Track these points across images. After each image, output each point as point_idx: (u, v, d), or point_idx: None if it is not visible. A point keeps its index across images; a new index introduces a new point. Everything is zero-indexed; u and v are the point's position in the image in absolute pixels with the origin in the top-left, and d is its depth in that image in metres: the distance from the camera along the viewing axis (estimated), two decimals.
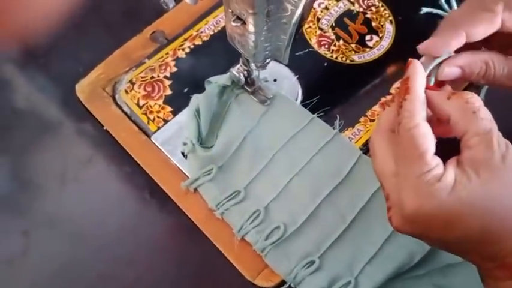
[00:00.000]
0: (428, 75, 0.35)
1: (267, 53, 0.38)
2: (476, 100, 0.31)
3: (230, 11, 0.35)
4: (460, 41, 0.35)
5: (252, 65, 0.44)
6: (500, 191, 0.29)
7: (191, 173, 0.44)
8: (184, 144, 0.44)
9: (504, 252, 0.30)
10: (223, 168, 0.44)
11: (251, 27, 0.34)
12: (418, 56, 0.50)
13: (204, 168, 0.43)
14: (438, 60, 0.36)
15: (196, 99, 0.45)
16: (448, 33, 0.36)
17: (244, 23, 0.34)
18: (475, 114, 0.30)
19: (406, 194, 0.30)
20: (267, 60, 0.41)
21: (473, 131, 0.30)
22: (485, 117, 0.30)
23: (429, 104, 0.32)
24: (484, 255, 0.31)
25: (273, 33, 0.35)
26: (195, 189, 0.44)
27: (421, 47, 0.37)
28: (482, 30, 0.35)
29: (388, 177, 0.32)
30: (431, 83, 0.35)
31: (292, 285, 0.41)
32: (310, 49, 0.50)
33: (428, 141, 0.30)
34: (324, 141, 0.45)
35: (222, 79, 0.46)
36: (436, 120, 0.33)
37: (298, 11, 0.33)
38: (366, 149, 0.45)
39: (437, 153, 0.30)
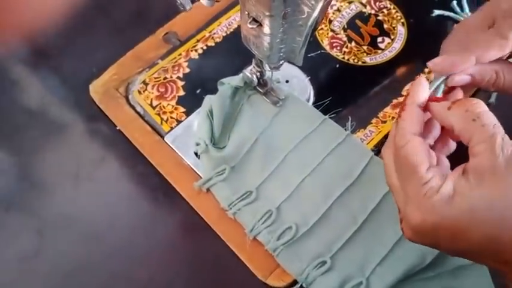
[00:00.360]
0: (437, 88, 0.36)
1: (281, 54, 0.38)
2: (476, 107, 0.31)
3: (246, 12, 0.35)
4: (469, 65, 0.36)
5: (265, 66, 0.44)
6: (506, 197, 0.28)
7: (204, 173, 0.44)
8: (197, 144, 0.45)
9: None
10: (236, 168, 0.44)
11: (267, 29, 0.35)
12: (429, 58, 0.51)
13: (216, 169, 0.44)
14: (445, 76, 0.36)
15: (209, 100, 0.45)
16: (458, 55, 0.36)
17: (260, 25, 0.35)
18: (475, 121, 0.30)
19: (409, 208, 0.31)
20: (281, 62, 0.41)
21: (476, 138, 0.30)
22: (487, 123, 0.30)
23: (434, 116, 0.33)
24: (498, 260, 0.31)
25: (288, 35, 0.36)
26: (208, 189, 0.44)
27: (431, 65, 0.37)
28: (492, 56, 0.36)
29: (396, 191, 0.33)
30: (439, 94, 0.36)
31: (304, 285, 0.41)
32: (322, 51, 0.51)
33: (420, 155, 0.31)
34: (336, 143, 0.45)
35: (234, 80, 0.46)
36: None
37: (315, 14, 0.33)
38: (377, 150, 0.46)
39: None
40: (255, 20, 0.35)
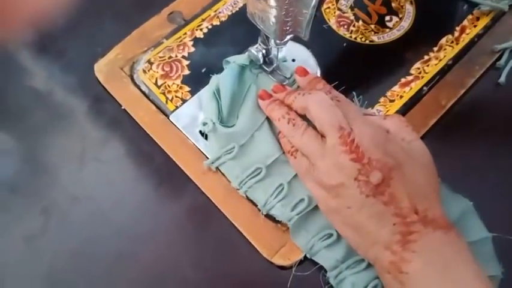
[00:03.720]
0: None
1: (287, 28, 0.38)
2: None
3: None
4: None
5: (271, 43, 0.43)
6: None
7: (212, 152, 0.44)
8: (204, 124, 0.44)
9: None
10: (245, 146, 0.44)
11: (272, 2, 0.34)
12: (437, 37, 0.50)
13: (225, 147, 0.43)
14: None
15: (215, 80, 0.45)
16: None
17: None
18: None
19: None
20: (287, 37, 0.40)
21: None
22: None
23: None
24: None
25: (294, 7, 0.35)
26: (217, 168, 0.44)
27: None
28: None
29: None
30: None
31: (308, 255, 0.41)
32: (325, 25, 0.50)
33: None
34: None
35: (240, 58, 0.45)
36: None
37: None
38: None
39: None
40: None
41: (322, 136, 0.38)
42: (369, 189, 0.35)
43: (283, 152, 0.43)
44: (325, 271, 0.40)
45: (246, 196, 0.43)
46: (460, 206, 0.41)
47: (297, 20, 0.37)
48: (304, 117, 0.41)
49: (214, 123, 0.43)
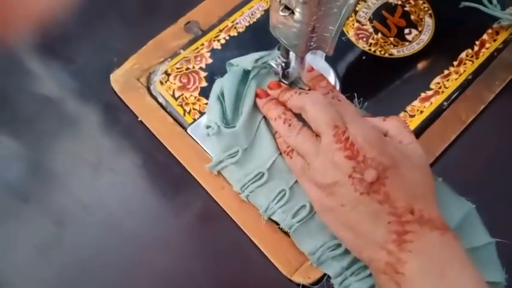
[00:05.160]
0: None
1: (311, 43, 0.37)
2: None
3: (278, 0, 0.34)
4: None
5: (291, 57, 0.43)
6: None
7: (215, 155, 0.43)
8: (208, 127, 0.44)
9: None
10: (248, 150, 0.43)
11: (299, 17, 0.34)
12: (457, 50, 0.49)
13: (228, 151, 0.43)
14: None
15: (219, 82, 0.45)
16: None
17: (292, 12, 0.34)
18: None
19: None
20: (309, 53, 0.40)
21: None
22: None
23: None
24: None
25: (321, 23, 0.34)
26: (219, 172, 0.43)
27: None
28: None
29: None
30: None
31: (314, 264, 0.40)
32: (344, 37, 0.50)
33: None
34: None
35: (244, 62, 0.44)
36: None
37: (351, 0, 0.32)
38: None
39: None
40: (286, 8, 0.34)
41: (318, 136, 0.38)
42: (363, 187, 0.35)
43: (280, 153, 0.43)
44: (329, 277, 0.40)
45: (248, 200, 0.42)
46: (462, 208, 0.40)
47: (322, 36, 0.36)
48: (299, 116, 0.41)
49: (218, 126, 0.43)
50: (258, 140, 0.44)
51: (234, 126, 0.43)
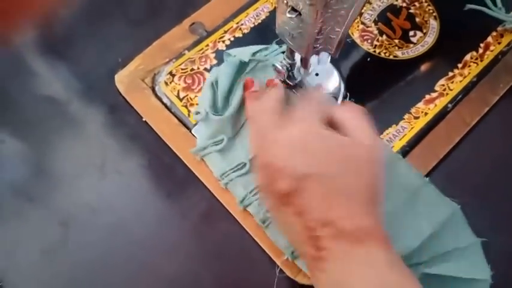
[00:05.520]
0: None
1: (317, 45, 0.37)
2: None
3: (285, 1, 0.34)
4: None
5: (296, 59, 0.43)
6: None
7: (200, 141, 0.44)
8: (197, 113, 0.44)
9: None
10: (232, 139, 0.44)
11: (307, 19, 0.33)
12: (461, 52, 0.49)
13: (213, 138, 0.43)
14: None
15: (215, 71, 0.45)
16: None
17: (299, 14, 0.34)
18: None
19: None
20: (314, 55, 0.40)
21: None
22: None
23: None
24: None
25: (327, 25, 0.34)
26: (202, 158, 0.44)
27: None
28: None
29: None
30: None
31: (289, 258, 0.41)
32: (348, 39, 0.50)
33: None
34: None
35: (242, 54, 0.44)
36: None
37: (358, 3, 0.32)
38: (409, 147, 0.45)
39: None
40: (294, 9, 0.34)
41: None
42: (278, 197, 0.33)
43: None
44: None
45: (226, 188, 0.43)
46: (448, 209, 0.40)
47: (328, 38, 0.36)
48: None
49: (207, 112, 0.43)
50: (245, 132, 0.44)
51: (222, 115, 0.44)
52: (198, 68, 0.48)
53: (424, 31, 0.50)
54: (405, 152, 0.45)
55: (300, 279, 0.40)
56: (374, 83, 0.48)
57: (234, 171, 0.43)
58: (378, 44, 0.49)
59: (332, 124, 0.36)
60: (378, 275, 0.30)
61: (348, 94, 0.46)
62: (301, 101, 0.38)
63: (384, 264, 0.30)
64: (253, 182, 0.42)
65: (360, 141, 0.34)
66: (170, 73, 0.47)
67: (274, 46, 0.47)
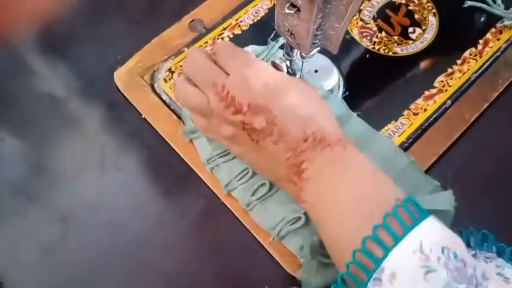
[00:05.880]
0: None
1: (316, 41, 0.37)
2: None
3: None
4: None
5: (295, 55, 0.43)
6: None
7: (188, 124, 0.45)
8: None
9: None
10: None
11: (305, 15, 0.34)
12: (461, 49, 0.49)
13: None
14: None
15: None
16: None
17: (298, 10, 0.34)
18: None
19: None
20: (314, 51, 0.40)
21: None
22: None
23: None
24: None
25: (327, 21, 0.34)
26: (191, 141, 0.45)
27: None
28: None
29: None
30: None
31: (276, 239, 0.41)
32: (348, 36, 0.50)
33: None
34: None
35: (257, 51, 0.45)
36: None
37: None
38: (409, 143, 0.45)
39: None
40: (293, 5, 0.34)
41: None
42: (257, 135, 0.36)
43: None
44: None
45: (211, 172, 0.44)
46: (430, 186, 0.41)
47: (327, 34, 0.36)
48: None
49: None
50: None
51: None
52: None
53: (423, 28, 0.50)
54: (404, 148, 0.45)
55: (299, 274, 0.40)
56: (373, 80, 0.48)
57: (220, 157, 0.43)
58: (377, 40, 0.49)
59: None
60: (361, 180, 0.33)
61: (348, 92, 0.46)
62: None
63: (371, 169, 0.34)
64: (238, 167, 0.43)
65: None
66: (169, 70, 0.47)
67: (271, 44, 0.47)
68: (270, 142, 0.35)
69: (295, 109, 0.35)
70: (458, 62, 0.49)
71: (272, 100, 0.35)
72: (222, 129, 0.38)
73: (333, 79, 0.47)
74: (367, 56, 0.49)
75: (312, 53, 0.40)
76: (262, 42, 0.48)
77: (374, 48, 0.49)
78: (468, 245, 0.35)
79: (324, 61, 0.47)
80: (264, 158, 0.37)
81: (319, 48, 0.39)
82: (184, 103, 0.41)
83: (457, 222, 0.39)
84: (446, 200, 0.37)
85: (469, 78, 0.48)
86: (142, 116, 0.47)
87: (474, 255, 0.34)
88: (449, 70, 0.48)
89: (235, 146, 0.39)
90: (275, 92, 0.35)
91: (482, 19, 0.51)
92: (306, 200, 0.34)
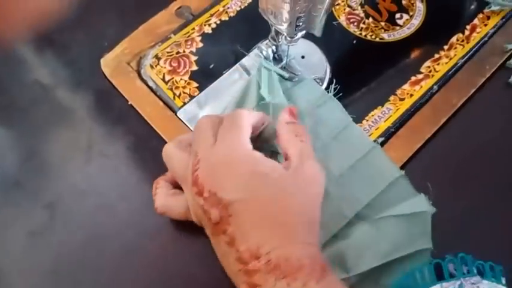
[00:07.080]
0: None
1: (300, 24, 0.37)
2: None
3: None
4: None
5: (282, 40, 0.43)
6: None
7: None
8: None
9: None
10: None
11: None
12: (448, 35, 0.49)
13: None
14: None
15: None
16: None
17: None
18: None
19: None
20: (298, 35, 0.40)
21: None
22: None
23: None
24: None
25: (309, 2, 0.34)
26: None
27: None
28: None
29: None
30: None
31: None
32: (335, 22, 0.49)
33: None
34: None
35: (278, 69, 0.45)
36: None
37: None
38: (395, 128, 0.45)
39: None
40: None
41: None
42: (211, 227, 0.32)
43: None
44: None
45: None
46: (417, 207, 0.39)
47: (310, 16, 0.36)
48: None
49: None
50: None
51: None
52: (184, 51, 0.48)
53: (411, 14, 0.50)
54: (390, 133, 0.45)
55: None
56: (360, 66, 0.48)
57: None
58: (364, 26, 0.49)
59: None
60: None
61: (334, 80, 0.46)
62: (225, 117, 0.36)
63: None
64: None
65: (292, 162, 0.33)
66: (156, 56, 0.47)
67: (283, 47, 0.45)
68: (223, 241, 0.31)
69: (266, 216, 0.30)
70: (445, 47, 0.49)
71: (237, 196, 0.30)
72: (193, 202, 0.34)
73: (320, 65, 0.47)
74: (354, 42, 0.49)
75: (297, 37, 0.40)
76: (249, 28, 0.48)
77: (361, 34, 0.49)
78: (451, 276, 0.34)
79: (310, 47, 0.47)
80: (219, 254, 0.33)
81: (303, 32, 0.39)
82: (167, 161, 0.39)
83: (446, 206, 0.39)
84: (422, 202, 0.38)
85: (456, 63, 0.48)
86: (129, 102, 0.46)
87: (460, 286, 0.33)
88: (436, 56, 0.48)
89: (204, 224, 0.35)
90: (251, 188, 0.31)
91: (470, 5, 0.51)
92: None
